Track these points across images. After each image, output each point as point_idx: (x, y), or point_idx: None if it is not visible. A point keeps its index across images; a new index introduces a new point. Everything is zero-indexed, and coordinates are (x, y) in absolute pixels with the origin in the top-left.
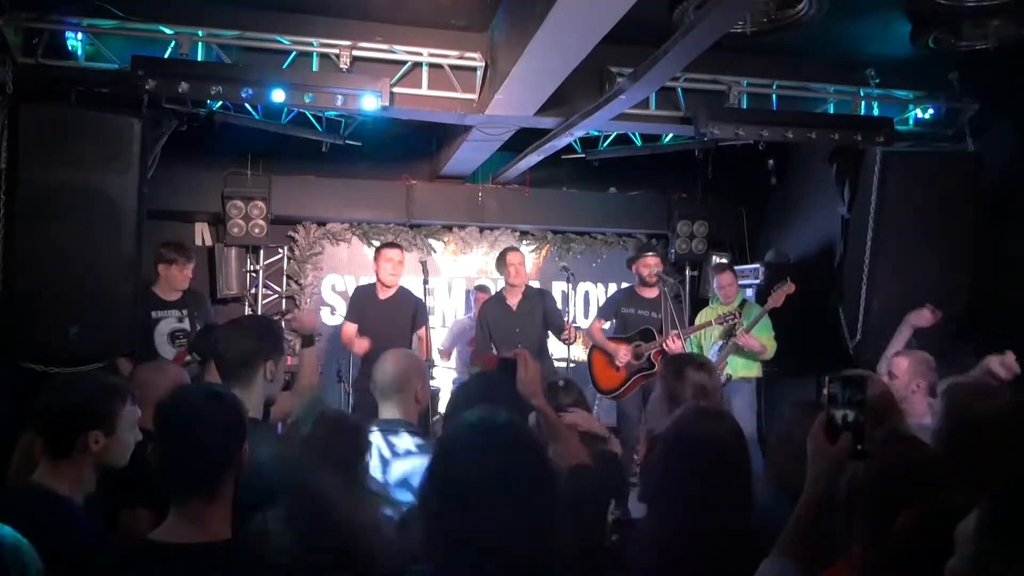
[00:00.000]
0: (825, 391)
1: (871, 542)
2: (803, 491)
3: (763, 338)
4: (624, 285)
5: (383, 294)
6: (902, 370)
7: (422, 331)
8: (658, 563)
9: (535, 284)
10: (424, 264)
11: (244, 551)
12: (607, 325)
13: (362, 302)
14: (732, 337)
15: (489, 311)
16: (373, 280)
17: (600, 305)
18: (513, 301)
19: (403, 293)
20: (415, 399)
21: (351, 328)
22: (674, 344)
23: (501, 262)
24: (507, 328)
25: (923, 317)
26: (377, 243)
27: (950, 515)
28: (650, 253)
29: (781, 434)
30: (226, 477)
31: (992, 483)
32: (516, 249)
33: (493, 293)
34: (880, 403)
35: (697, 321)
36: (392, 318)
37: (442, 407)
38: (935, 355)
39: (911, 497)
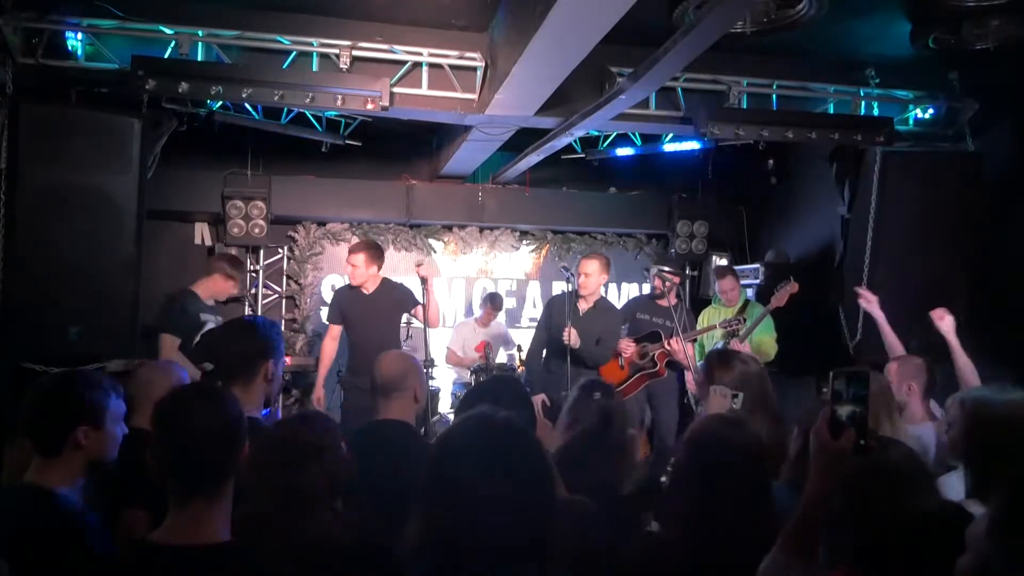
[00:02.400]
0: (828, 387)
1: (860, 545)
2: (806, 487)
3: (765, 339)
4: (624, 285)
5: (366, 290)
6: (892, 374)
7: (418, 309)
8: (678, 571)
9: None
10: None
11: (243, 553)
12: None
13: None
14: (734, 337)
15: (550, 308)
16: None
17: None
18: (583, 306)
19: (386, 285)
20: (414, 399)
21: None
22: (677, 346)
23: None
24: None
25: (864, 300)
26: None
27: (941, 518)
28: (667, 269)
29: (798, 434)
30: (228, 477)
31: (1007, 484)
32: (594, 256)
33: (495, 302)
34: (876, 400)
35: (700, 320)
36: (379, 312)
37: (442, 407)
38: (935, 355)
39: (893, 500)
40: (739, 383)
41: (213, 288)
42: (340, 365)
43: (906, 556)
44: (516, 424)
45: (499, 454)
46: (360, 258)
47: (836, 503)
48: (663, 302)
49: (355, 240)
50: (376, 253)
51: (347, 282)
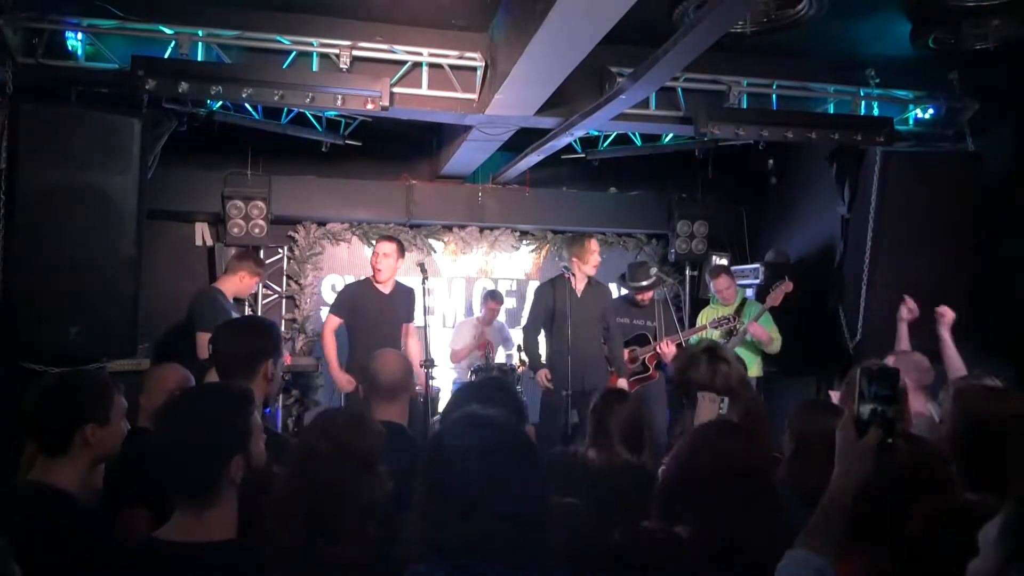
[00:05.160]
0: (855, 384)
1: (879, 540)
2: (829, 483)
3: (769, 331)
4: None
5: (381, 288)
6: None
7: (408, 327)
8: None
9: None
10: (422, 265)
11: (247, 551)
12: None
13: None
14: (732, 336)
15: (550, 292)
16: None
17: None
18: (579, 287)
19: (399, 288)
20: (409, 400)
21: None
22: (667, 348)
23: (579, 245)
24: (567, 313)
25: (907, 310)
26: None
27: (962, 515)
28: (645, 283)
29: (791, 433)
30: (218, 485)
31: (1012, 485)
32: (592, 236)
33: (497, 297)
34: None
35: (699, 320)
36: (388, 312)
37: (442, 407)
38: (934, 355)
39: (918, 496)
40: (720, 383)
41: (239, 286)
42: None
43: (924, 555)
44: (510, 423)
45: (493, 454)
46: (391, 247)
47: (859, 500)
48: (641, 301)
49: (355, 240)
50: (402, 249)
51: (360, 278)
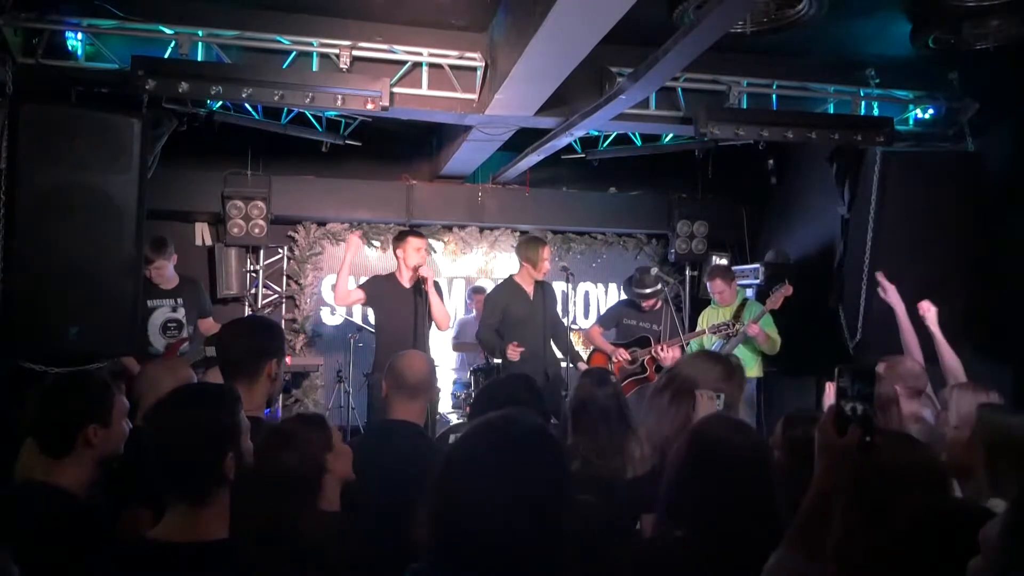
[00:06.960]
0: (834, 383)
1: (865, 539)
2: (811, 483)
3: (769, 332)
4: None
5: (408, 283)
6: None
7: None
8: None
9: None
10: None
11: (238, 550)
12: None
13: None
14: (733, 338)
15: (504, 295)
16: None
17: (601, 312)
18: (529, 289)
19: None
20: (429, 400)
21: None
22: (665, 353)
23: (534, 251)
24: (523, 315)
25: (881, 289)
26: (377, 243)
27: (954, 515)
28: (649, 290)
29: (777, 440)
30: (213, 482)
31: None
32: (546, 243)
33: (479, 289)
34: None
35: (699, 321)
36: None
37: (442, 407)
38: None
39: (905, 495)
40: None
41: (154, 274)
42: (340, 365)
43: (914, 554)
44: (542, 428)
45: (518, 463)
46: (423, 242)
47: (842, 500)
48: (649, 305)
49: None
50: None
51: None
